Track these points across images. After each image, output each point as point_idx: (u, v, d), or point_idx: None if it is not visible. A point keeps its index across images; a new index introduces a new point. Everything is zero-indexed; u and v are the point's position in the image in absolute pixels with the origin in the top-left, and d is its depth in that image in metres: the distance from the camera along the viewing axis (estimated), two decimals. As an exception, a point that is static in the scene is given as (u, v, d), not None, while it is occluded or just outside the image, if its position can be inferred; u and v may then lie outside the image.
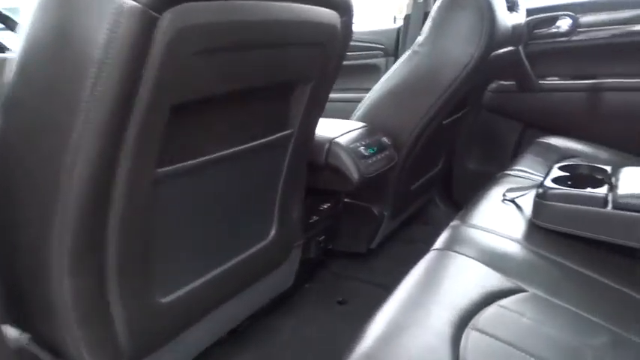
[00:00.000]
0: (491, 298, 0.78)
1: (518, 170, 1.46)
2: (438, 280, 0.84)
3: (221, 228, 0.92)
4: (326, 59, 0.94)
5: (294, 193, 1.15)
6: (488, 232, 1.03)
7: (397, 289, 0.80)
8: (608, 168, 1.13)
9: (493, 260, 0.91)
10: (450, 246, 0.98)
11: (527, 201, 1.13)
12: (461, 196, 2.17)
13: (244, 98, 0.83)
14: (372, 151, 1.34)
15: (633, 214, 0.95)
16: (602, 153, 1.69)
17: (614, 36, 1.77)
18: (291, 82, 0.95)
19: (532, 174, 1.43)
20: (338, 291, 1.62)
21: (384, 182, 1.55)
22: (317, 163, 1.28)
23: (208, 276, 0.89)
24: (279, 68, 0.85)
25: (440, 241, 1.02)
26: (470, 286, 0.81)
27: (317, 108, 1.05)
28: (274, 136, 0.95)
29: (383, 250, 1.82)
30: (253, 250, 1.02)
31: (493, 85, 2.02)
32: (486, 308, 0.75)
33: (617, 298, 0.86)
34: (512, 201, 1.16)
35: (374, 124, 1.50)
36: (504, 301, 0.78)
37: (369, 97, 1.58)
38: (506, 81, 2.00)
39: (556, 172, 1.13)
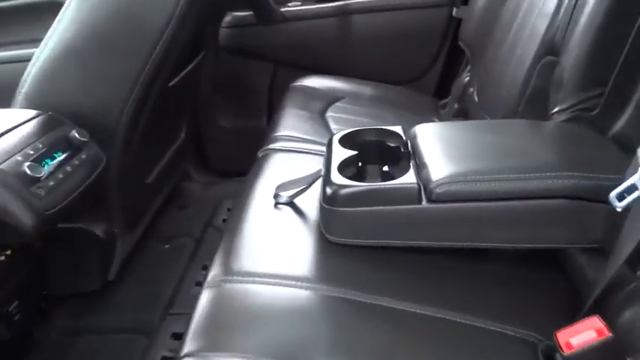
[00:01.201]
0: None
1: (283, 138, 1.08)
2: None
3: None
4: None
5: None
6: (262, 280, 0.63)
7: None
8: (399, 129, 0.82)
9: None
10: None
11: (310, 202, 0.76)
12: (219, 162, 1.75)
13: None
14: (50, 163, 0.79)
15: (453, 205, 0.65)
16: (366, 89, 1.44)
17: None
18: None
19: (301, 139, 1.08)
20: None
21: (99, 192, 1.01)
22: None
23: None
24: None
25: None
26: None
27: None
28: None
29: (131, 272, 1.30)
30: None
31: (228, 19, 1.57)
32: None
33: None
34: (291, 204, 0.78)
35: (54, 107, 0.92)
36: None
37: (38, 60, 0.96)
38: (242, 11, 1.57)
39: (339, 152, 0.77)
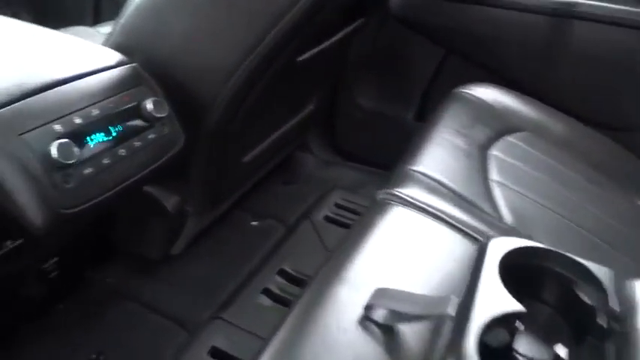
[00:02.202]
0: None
1: (419, 179, 0.77)
2: None
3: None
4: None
5: None
6: None
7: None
8: (604, 275, 0.47)
9: None
10: None
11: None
12: (345, 142, 1.48)
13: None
14: (93, 142, 0.58)
15: None
16: (560, 127, 1.03)
17: None
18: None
19: (443, 189, 0.76)
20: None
21: (177, 168, 0.81)
22: None
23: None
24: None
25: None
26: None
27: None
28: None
29: (202, 246, 1.13)
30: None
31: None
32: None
33: None
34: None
35: (145, 56, 0.71)
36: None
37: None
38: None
39: (493, 286, 0.45)
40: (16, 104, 0.54)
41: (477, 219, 0.70)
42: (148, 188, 0.92)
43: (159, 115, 0.65)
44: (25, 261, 0.75)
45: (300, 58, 0.82)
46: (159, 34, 0.74)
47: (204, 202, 0.94)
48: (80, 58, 0.66)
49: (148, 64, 0.71)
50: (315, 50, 0.85)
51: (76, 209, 0.55)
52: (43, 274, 0.82)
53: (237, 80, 0.74)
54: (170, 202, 0.91)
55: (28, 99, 0.55)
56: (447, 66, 1.29)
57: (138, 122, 0.64)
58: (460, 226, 0.66)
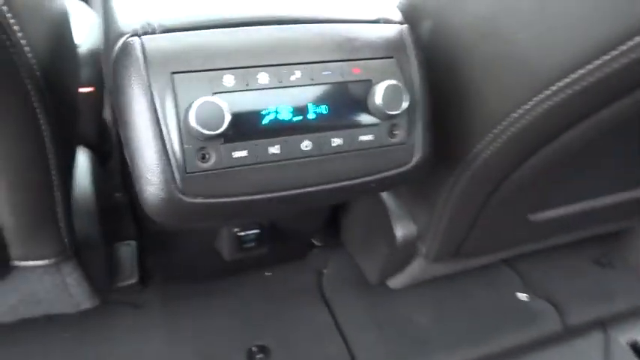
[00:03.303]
0: None
1: None
2: None
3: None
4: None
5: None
6: None
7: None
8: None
9: None
10: None
11: None
12: None
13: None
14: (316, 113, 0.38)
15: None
16: None
17: None
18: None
19: None
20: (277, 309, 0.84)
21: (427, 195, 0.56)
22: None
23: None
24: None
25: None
26: None
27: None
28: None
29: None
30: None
31: None
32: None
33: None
34: None
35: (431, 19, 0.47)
36: None
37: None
38: None
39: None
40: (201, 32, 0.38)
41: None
42: (385, 199, 0.70)
43: (389, 112, 0.41)
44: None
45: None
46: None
47: (445, 247, 0.66)
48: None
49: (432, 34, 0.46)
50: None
51: (203, 201, 0.37)
52: (237, 240, 0.72)
53: (559, 94, 0.41)
54: (401, 230, 0.67)
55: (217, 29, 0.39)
56: None
57: (356, 108, 0.41)
58: None
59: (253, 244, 0.73)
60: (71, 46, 0.53)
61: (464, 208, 0.57)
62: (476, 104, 0.47)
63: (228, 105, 0.36)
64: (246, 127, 0.38)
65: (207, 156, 0.37)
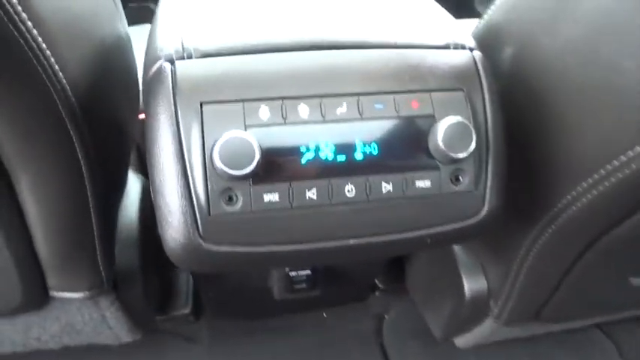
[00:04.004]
0: None
1: None
2: None
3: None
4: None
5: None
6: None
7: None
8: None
9: None
10: None
11: None
12: None
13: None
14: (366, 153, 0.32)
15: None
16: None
17: None
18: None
19: None
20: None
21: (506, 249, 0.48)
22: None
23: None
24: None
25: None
26: None
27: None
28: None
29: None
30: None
31: None
32: None
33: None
34: None
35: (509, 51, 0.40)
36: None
37: None
38: None
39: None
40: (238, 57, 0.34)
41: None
42: (455, 247, 0.62)
43: (453, 154, 0.34)
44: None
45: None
46: (557, 19, 0.39)
47: (522, 309, 0.56)
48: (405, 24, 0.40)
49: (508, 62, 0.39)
50: None
51: (227, 249, 0.33)
52: (288, 280, 0.67)
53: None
54: (470, 284, 0.58)
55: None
56: None
57: (413, 148, 0.35)
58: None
59: (304, 285, 0.68)
60: (123, 73, 0.51)
61: (546, 267, 0.48)
62: (565, 147, 0.39)
63: (261, 141, 0.32)
64: (280, 166, 0.33)
65: (234, 198, 0.33)
